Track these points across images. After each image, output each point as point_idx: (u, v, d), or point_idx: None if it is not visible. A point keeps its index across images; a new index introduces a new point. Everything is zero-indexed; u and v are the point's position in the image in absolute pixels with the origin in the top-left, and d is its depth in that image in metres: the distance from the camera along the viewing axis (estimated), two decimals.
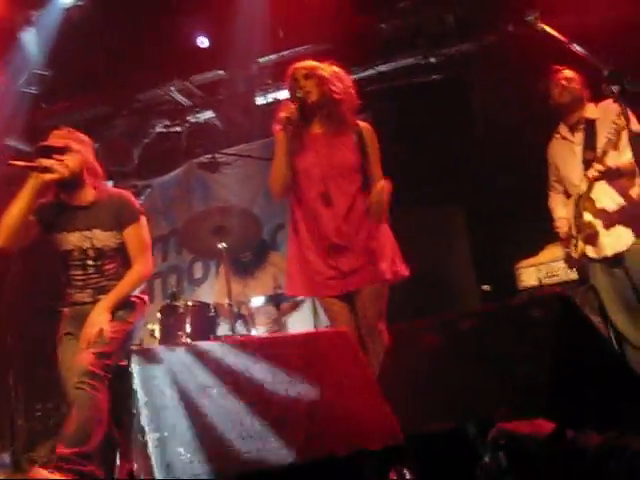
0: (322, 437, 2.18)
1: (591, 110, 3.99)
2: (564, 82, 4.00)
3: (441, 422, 2.35)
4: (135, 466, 2.21)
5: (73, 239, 3.48)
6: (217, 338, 4.46)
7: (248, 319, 4.80)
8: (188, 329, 4.49)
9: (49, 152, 3.38)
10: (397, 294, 4.31)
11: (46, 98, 5.98)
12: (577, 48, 3.66)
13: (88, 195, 3.52)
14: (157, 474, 1.97)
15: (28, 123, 5.95)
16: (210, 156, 5.46)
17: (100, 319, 3.33)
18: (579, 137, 3.98)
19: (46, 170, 3.33)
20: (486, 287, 5.00)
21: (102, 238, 3.49)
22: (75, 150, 3.45)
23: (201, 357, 2.26)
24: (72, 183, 3.45)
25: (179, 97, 6.14)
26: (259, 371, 2.25)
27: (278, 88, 5.81)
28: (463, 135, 5.48)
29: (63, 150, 3.41)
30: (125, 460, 2.31)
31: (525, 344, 2.35)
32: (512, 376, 2.29)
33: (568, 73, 4.03)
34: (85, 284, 3.52)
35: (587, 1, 4.98)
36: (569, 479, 2.00)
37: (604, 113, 3.88)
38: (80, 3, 5.60)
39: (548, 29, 3.64)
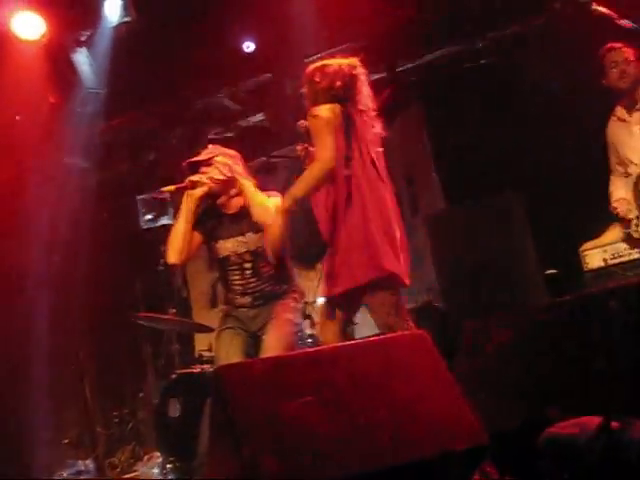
0: (407, 441, 2.21)
1: None
2: (624, 66, 3.91)
3: (522, 419, 2.37)
4: (227, 475, 2.28)
5: (229, 245, 3.66)
6: None
7: (313, 318, 4.85)
8: None
9: (196, 168, 3.64)
10: (463, 287, 4.33)
11: (102, 115, 6.12)
12: (630, 25, 3.59)
13: (237, 201, 3.68)
14: None
15: (86, 140, 6.12)
16: (263, 159, 5.51)
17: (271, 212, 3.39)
18: (637, 117, 3.92)
19: (195, 185, 3.56)
20: (551, 272, 4.95)
21: (255, 240, 3.62)
22: (219, 162, 3.63)
23: (283, 368, 2.31)
24: (222, 192, 3.65)
25: (229, 103, 6.21)
26: (340, 379, 2.29)
27: None
28: (517, 119, 5.43)
29: (208, 163, 3.62)
30: (216, 470, 2.38)
31: (602, 336, 2.34)
32: (590, 370, 2.29)
33: (627, 53, 3.94)
34: (244, 289, 3.68)
35: None
36: (620, 471, 2.00)
37: None
38: (127, 19, 5.70)
39: (601, 8, 3.58)
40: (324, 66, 3.36)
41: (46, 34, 5.41)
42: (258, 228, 3.59)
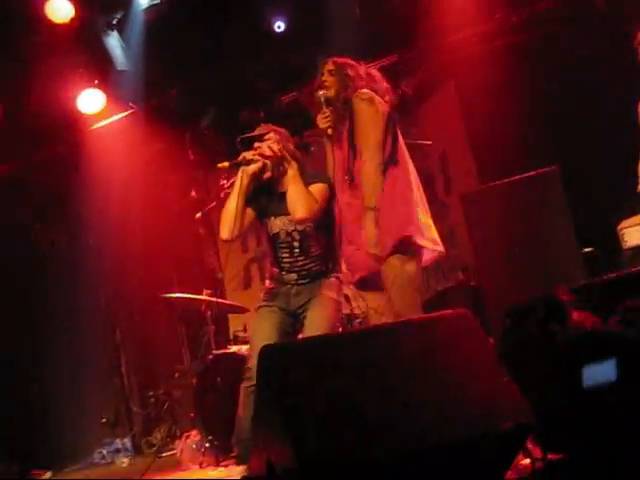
0: (452, 420, 2.20)
1: None
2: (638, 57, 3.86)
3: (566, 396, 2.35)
4: (274, 456, 2.30)
5: (279, 223, 3.67)
6: None
7: (350, 299, 4.85)
8: None
9: (249, 143, 3.62)
10: (499, 266, 4.28)
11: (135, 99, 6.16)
12: None
13: (284, 181, 3.66)
14: (301, 463, 2.05)
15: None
16: (298, 138, 5.49)
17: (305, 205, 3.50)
18: None
19: (249, 162, 3.56)
20: (588, 250, 4.89)
21: None
22: (271, 138, 3.62)
23: (328, 347, 2.32)
24: (274, 169, 3.63)
25: (261, 82, 6.20)
26: (384, 358, 2.29)
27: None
28: (553, 96, 5.36)
29: (261, 139, 3.62)
30: (261, 451, 2.40)
31: None
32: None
33: None
34: (292, 266, 3.70)
35: None
36: None
37: None
38: (157, 1, 5.71)
39: None
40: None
41: (77, 17, 5.46)
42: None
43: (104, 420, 6.86)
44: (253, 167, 3.57)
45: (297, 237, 3.66)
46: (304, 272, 3.68)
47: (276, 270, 3.77)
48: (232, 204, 3.56)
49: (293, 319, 3.70)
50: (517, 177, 4.97)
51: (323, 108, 3.53)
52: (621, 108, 4.47)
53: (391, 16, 5.71)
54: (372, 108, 3.44)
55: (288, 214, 3.60)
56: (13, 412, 6.31)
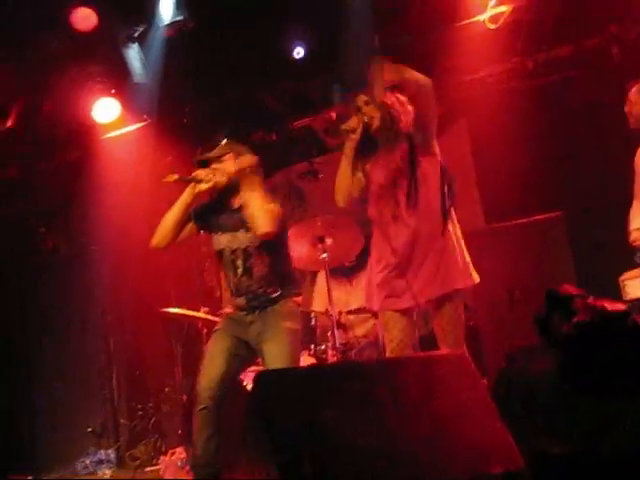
0: (444, 460, 2.20)
1: None
2: (628, 107, 3.93)
3: (560, 445, 2.34)
4: None
5: (224, 240, 3.67)
6: (319, 349, 4.53)
7: (348, 328, 4.86)
8: None
9: (206, 163, 3.66)
10: (499, 308, 4.29)
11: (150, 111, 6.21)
12: None
13: (239, 199, 3.67)
14: None
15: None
16: (307, 163, 5.53)
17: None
18: None
19: (200, 181, 3.60)
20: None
21: (247, 238, 3.61)
22: (229, 159, 3.66)
23: (325, 378, 2.32)
24: (226, 189, 3.66)
25: (275, 106, 6.25)
26: (381, 392, 2.29)
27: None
28: (564, 140, 5.40)
29: (219, 160, 3.65)
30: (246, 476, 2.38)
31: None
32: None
33: (631, 93, 3.96)
34: (238, 288, 3.66)
35: None
36: None
37: None
38: (179, 18, 5.76)
39: None
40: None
41: (99, 27, 5.52)
42: (249, 222, 3.57)
43: (90, 429, 6.81)
44: (203, 186, 3.61)
45: (240, 255, 3.63)
46: (250, 295, 3.62)
47: (228, 295, 3.77)
48: (171, 216, 3.66)
49: (249, 348, 3.64)
50: (522, 220, 5.00)
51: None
52: (631, 158, 4.50)
53: (409, 50, 5.75)
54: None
55: (234, 230, 3.62)
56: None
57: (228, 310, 3.84)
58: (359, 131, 3.46)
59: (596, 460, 2.26)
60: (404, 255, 3.39)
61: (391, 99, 3.48)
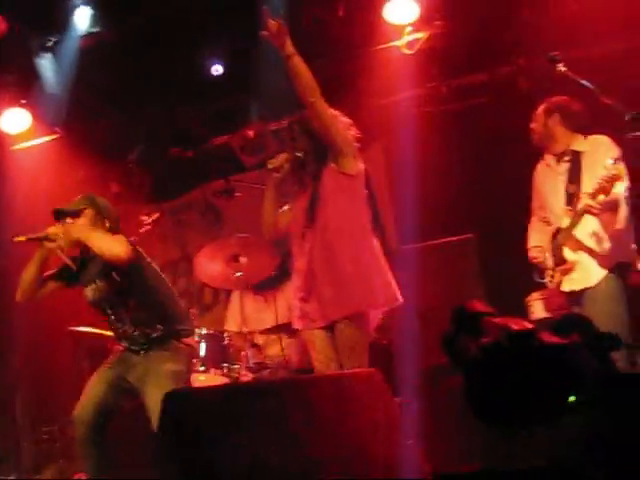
0: (355, 477, 2.21)
1: (579, 142, 3.99)
2: (532, 124, 4.09)
3: (470, 463, 2.39)
4: None
5: (89, 292, 3.62)
6: (232, 368, 4.48)
7: (262, 348, 4.83)
8: (201, 356, 4.53)
9: (62, 215, 3.58)
10: (410, 328, 4.35)
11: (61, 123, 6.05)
12: (590, 87, 3.70)
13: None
14: None
15: None
16: (224, 181, 5.49)
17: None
18: (563, 167, 3.99)
19: (52, 239, 3.51)
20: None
21: (105, 286, 3.55)
22: (87, 215, 3.60)
23: (235, 398, 2.29)
24: (87, 247, 3.55)
25: (192, 123, 6.20)
26: (293, 411, 2.28)
27: (292, 115, 5.90)
28: (476, 164, 5.56)
29: (77, 214, 3.58)
30: None
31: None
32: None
33: (536, 113, 4.10)
34: (117, 333, 3.63)
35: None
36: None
37: (592, 146, 3.91)
38: (95, 30, 5.66)
39: (564, 69, 3.68)
40: None
41: (10, 34, 5.36)
42: (106, 274, 3.51)
43: None
44: (53, 245, 3.52)
45: (105, 304, 3.59)
46: (130, 339, 3.57)
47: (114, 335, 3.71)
48: (26, 275, 3.61)
49: (128, 383, 3.58)
50: (434, 242, 5.12)
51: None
52: None
53: (325, 72, 5.81)
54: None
55: (92, 283, 3.58)
56: None
57: (121, 346, 3.72)
58: (285, 170, 3.51)
59: (509, 476, 2.31)
60: (306, 275, 3.42)
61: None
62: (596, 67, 4.59)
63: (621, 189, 3.66)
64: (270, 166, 3.50)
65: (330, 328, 3.40)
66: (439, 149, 5.71)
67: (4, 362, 6.84)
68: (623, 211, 3.68)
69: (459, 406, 2.54)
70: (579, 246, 3.88)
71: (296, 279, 3.50)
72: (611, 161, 3.61)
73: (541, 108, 4.13)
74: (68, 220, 3.56)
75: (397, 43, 5.59)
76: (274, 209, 3.56)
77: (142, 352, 3.55)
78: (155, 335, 3.53)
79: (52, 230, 3.52)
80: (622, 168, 3.62)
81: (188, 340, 3.64)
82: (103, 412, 3.50)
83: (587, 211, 3.72)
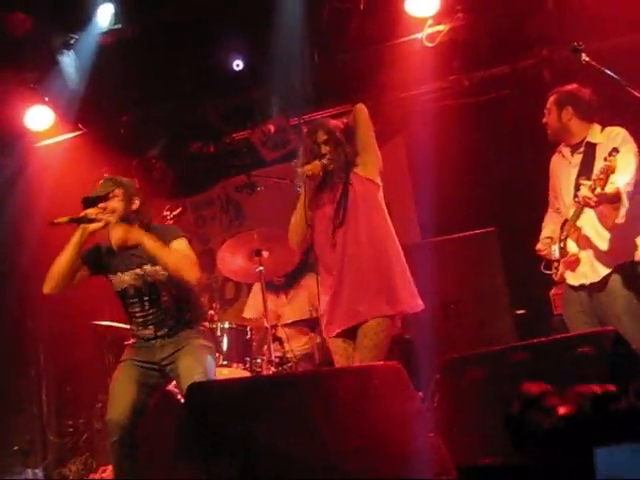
0: (377, 472, 2.20)
1: (595, 134, 3.90)
2: (545, 119, 4.01)
3: (491, 456, 2.37)
4: None
5: (127, 278, 3.60)
6: (255, 362, 4.50)
7: (284, 342, 4.83)
8: (225, 350, 4.55)
9: (93, 202, 3.54)
10: (431, 321, 4.34)
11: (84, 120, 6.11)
12: (616, 77, 3.63)
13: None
14: None
15: None
16: (245, 176, 5.51)
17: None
18: (577, 159, 3.91)
19: (92, 220, 3.47)
20: (520, 312, 4.99)
21: (152, 273, 3.57)
22: (117, 196, 3.57)
23: (258, 390, 2.29)
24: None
25: (213, 118, 6.22)
26: (314, 404, 2.28)
27: (314, 110, 5.92)
28: (500, 158, 5.52)
29: (106, 198, 3.54)
30: None
31: (574, 381, 2.36)
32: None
33: (548, 104, 4.01)
34: (145, 320, 3.62)
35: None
36: None
37: (607, 138, 3.81)
38: (117, 27, 5.69)
39: (588, 59, 3.63)
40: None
41: (33, 32, 5.41)
42: (155, 260, 3.51)
43: (16, 448, 6.57)
44: (96, 225, 3.49)
45: (146, 290, 3.58)
46: (159, 325, 3.60)
47: (133, 327, 3.70)
48: (62, 261, 3.52)
49: (158, 372, 3.61)
50: (457, 235, 5.09)
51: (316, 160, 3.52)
52: None
53: (346, 66, 5.82)
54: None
55: (137, 268, 3.56)
56: None
57: (131, 341, 3.76)
58: (319, 177, 3.51)
59: (524, 470, 2.29)
60: (337, 277, 3.47)
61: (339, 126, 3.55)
62: (620, 58, 4.53)
63: (622, 182, 3.58)
64: (309, 173, 3.45)
65: (353, 337, 3.44)
66: (460, 143, 5.68)
67: (29, 356, 6.92)
68: (624, 205, 3.57)
69: (480, 399, 2.53)
70: (582, 238, 3.82)
71: (324, 285, 3.56)
72: (610, 158, 3.55)
73: (552, 100, 4.02)
74: (100, 205, 3.53)
75: (418, 36, 5.56)
76: (306, 218, 3.53)
77: (168, 337, 3.58)
78: (183, 322, 3.61)
79: (92, 211, 3.49)
80: (618, 160, 3.55)
81: (205, 323, 3.77)
82: (137, 413, 3.49)
83: (585, 203, 3.65)
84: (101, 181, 3.66)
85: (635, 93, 3.37)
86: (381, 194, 3.65)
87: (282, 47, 5.32)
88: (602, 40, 4.85)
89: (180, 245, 3.55)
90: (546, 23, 5.42)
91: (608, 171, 3.53)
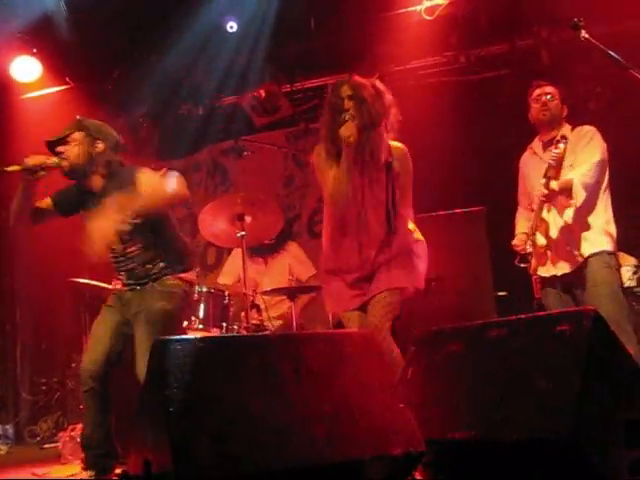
0: (344, 439, 2.15)
1: (566, 132, 3.99)
2: (545, 98, 4.01)
3: (464, 431, 2.33)
4: (152, 456, 2.18)
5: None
6: (231, 328, 4.45)
7: (262, 309, 4.78)
8: (201, 315, 4.50)
9: (53, 146, 3.45)
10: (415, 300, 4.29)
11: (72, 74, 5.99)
12: (617, 58, 3.56)
13: (95, 183, 3.52)
14: (178, 467, 1.94)
15: None
16: (233, 141, 5.42)
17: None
18: (548, 155, 3.96)
19: (42, 169, 3.38)
20: (502, 293, 4.96)
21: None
22: (76, 139, 3.46)
23: (226, 349, 2.23)
24: (77, 173, 3.48)
25: (204, 80, 6.10)
26: (284, 367, 2.22)
27: (306, 78, 5.83)
28: (492, 135, 5.46)
29: (65, 141, 3.45)
30: (139, 449, 2.27)
31: (552, 359, 2.31)
32: (535, 391, 2.25)
33: (550, 89, 4.03)
34: (118, 267, 3.55)
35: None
36: None
37: (576, 137, 3.93)
38: None
39: (588, 37, 3.55)
40: None
41: None
42: (120, 208, 3.34)
43: None
44: (42, 174, 3.40)
45: (120, 237, 3.39)
46: (128, 274, 3.51)
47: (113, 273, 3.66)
48: (14, 204, 3.48)
49: (129, 322, 3.53)
50: (443, 212, 5.04)
51: (349, 122, 3.36)
52: None
53: (342, 35, 5.72)
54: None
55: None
56: None
57: (117, 285, 3.73)
58: (357, 138, 3.37)
59: (496, 445, 2.26)
60: (361, 248, 3.42)
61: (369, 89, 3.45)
62: (621, 42, 4.46)
63: (578, 173, 3.76)
64: (350, 140, 3.31)
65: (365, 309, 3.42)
66: (454, 120, 5.60)
67: (5, 312, 6.85)
68: (578, 196, 3.73)
69: (455, 373, 2.48)
70: (549, 231, 3.91)
71: (350, 254, 3.46)
72: (559, 146, 3.80)
73: (555, 90, 4.06)
74: (59, 148, 3.44)
75: (417, 8, 5.47)
76: (349, 179, 3.39)
77: (138, 287, 3.49)
78: (154, 271, 3.49)
79: (32, 160, 3.38)
80: (581, 153, 3.79)
81: (186, 275, 3.57)
82: (110, 363, 3.45)
83: (542, 201, 3.84)
84: (68, 124, 3.54)
85: (635, 74, 3.29)
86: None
87: (277, 10, 5.21)
88: (603, 25, 4.77)
89: (144, 178, 3.40)
90: (545, 3, 5.34)
91: (559, 160, 3.76)
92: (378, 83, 3.54)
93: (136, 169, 3.49)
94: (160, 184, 3.38)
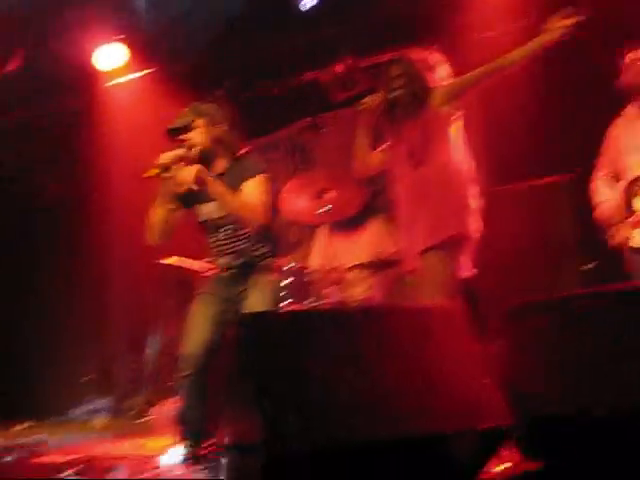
0: (432, 413, 2.15)
1: None
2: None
3: (558, 406, 2.28)
4: (242, 429, 2.24)
5: (206, 210, 3.60)
6: (316, 304, 4.47)
7: (345, 286, 4.78)
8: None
9: (176, 133, 3.53)
10: (500, 270, 4.23)
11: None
12: None
13: (220, 165, 3.62)
14: (267, 440, 1.99)
15: None
16: (311, 119, 5.42)
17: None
18: None
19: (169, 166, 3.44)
20: (589, 265, 4.82)
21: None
22: (199, 126, 3.54)
23: (311, 324, 2.26)
24: (206, 159, 3.56)
25: (281, 58, 6.11)
26: (369, 341, 2.23)
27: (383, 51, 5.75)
28: (574, 102, 5.27)
29: (188, 129, 3.52)
30: (231, 423, 2.34)
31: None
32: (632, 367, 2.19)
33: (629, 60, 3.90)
34: (223, 249, 3.63)
35: None
36: None
37: None
38: None
39: None
40: None
41: None
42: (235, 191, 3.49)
43: (87, 378, 6.82)
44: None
45: (222, 223, 3.58)
46: (235, 254, 3.60)
47: (212, 258, 3.72)
48: (159, 210, 3.54)
49: (232, 306, 3.60)
50: (526, 183, 4.92)
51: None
52: None
53: (422, 4, 5.62)
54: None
55: (212, 200, 3.52)
56: None
57: (211, 272, 3.79)
58: (378, 110, 3.45)
59: (590, 421, 2.21)
60: (402, 209, 3.49)
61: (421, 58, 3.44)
62: None
63: None
64: (363, 106, 3.40)
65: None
66: (536, 88, 5.43)
67: (99, 293, 7.10)
68: None
69: (544, 346, 2.44)
70: None
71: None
72: None
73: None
74: (183, 136, 3.53)
75: None
76: (367, 147, 3.55)
77: (241, 269, 3.60)
78: (257, 253, 3.62)
79: (167, 157, 3.46)
80: None
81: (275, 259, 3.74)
82: (210, 352, 3.51)
83: None
84: (183, 111, 3.62)
85: None
86: (458, 127, 3.58)
87: None
88: None
89: (249, 188, 3.50)
90: None
91: None
92: (433, 56, 3.54)
93: (252, 170, 3.58)
94: (255, 203, 3.47)
